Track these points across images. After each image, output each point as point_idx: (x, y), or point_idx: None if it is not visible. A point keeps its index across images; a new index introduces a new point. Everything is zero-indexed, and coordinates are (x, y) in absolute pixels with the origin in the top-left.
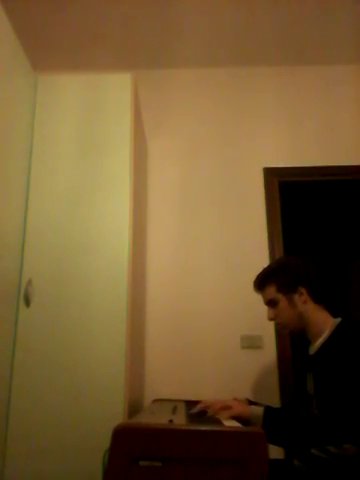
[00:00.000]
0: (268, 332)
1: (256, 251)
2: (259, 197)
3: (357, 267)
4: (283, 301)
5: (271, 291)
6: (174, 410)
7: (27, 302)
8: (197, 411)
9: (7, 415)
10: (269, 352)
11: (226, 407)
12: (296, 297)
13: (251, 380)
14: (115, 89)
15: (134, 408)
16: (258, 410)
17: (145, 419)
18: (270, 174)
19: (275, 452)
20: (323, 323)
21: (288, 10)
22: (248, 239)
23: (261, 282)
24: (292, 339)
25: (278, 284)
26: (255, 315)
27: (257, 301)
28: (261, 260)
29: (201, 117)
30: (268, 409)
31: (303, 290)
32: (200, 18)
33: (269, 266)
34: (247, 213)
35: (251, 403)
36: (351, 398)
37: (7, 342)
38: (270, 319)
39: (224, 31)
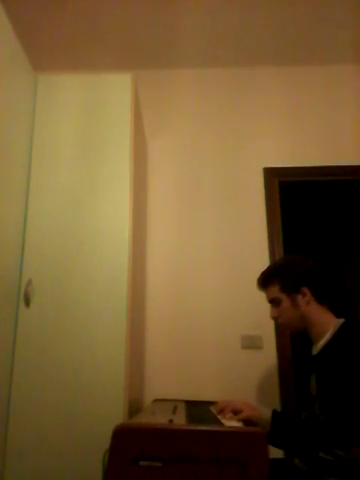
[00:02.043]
0: (268, 332)
1: (256, 251)
2: (259, 197)
3: (357, 267)
4: (286, 301)
5: (274, 290)
6: (174, 410)
7: (27, 302)
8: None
9: (7, 415)
10: (269, 352)
11: (235, 411)
12: (299, 297)
13: (251, 380)
14: (115, 89)
15: (134, 408)
16: (267, 414)
17: (145, 419)
18: (270, 174)
19: (275, 452)
20: (326, 324)
21: (288, 10)
22: (248, 239)
23: (265, 280)
24: (292, 339)
25: (281, 284)
26: (255, 315)
27: (257, 301)
28: (261, 260)
29: (201, 117)
30: (276, 413)
31: (306, 291)
32: (200, 18)
33: (274, 264)
34: (247, 213)
35: None
36: (355, 400)
37: (7, 342)
38: (272, 318)
39: (224, 31)
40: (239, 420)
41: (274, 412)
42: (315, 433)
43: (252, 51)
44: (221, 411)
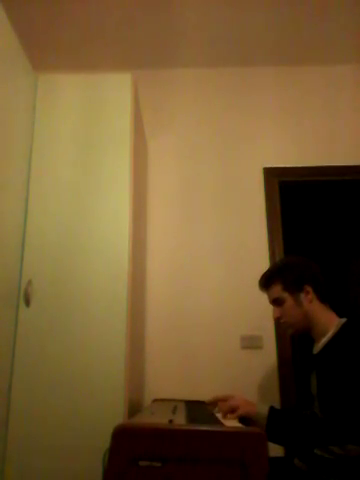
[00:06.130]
0: (268, 332)
1: (256, 251)
2: (259, 197)
3: (357, 267)
4: (289, 300)
5: (277, 290)
6: (174, 410)
7: (27, 302)
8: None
9: (7, 415)
10: (269, 352)
11: (233, 409)
12: (302, 296)
13: (251, 380)
14: (115, 89)
15: (134, 408)
16: (263, 410)
17: (145, 419)
18: (270, 174)
19: (275, 450)
20: (328, 322)
21: (288, 10)
22: (248, 239)
23: (267, 281)
24: (292, 339)
25: (284, 283)
26: (255, 315)
27: (257, 301)
28: (261, 260)
29: (201, 117)
30: (273, 409)
31: (309, 289)
32: (200, 18)
33: (275, 265)
34: (247, 213)
35: None
36: (354, 398)
37: (7, 342)
38: (275, 318)
39: (224, 31)
40: (236, 418)
41: (271, 408)
42: (311, 428)
43: (251, 51)
44: (216, 407)
